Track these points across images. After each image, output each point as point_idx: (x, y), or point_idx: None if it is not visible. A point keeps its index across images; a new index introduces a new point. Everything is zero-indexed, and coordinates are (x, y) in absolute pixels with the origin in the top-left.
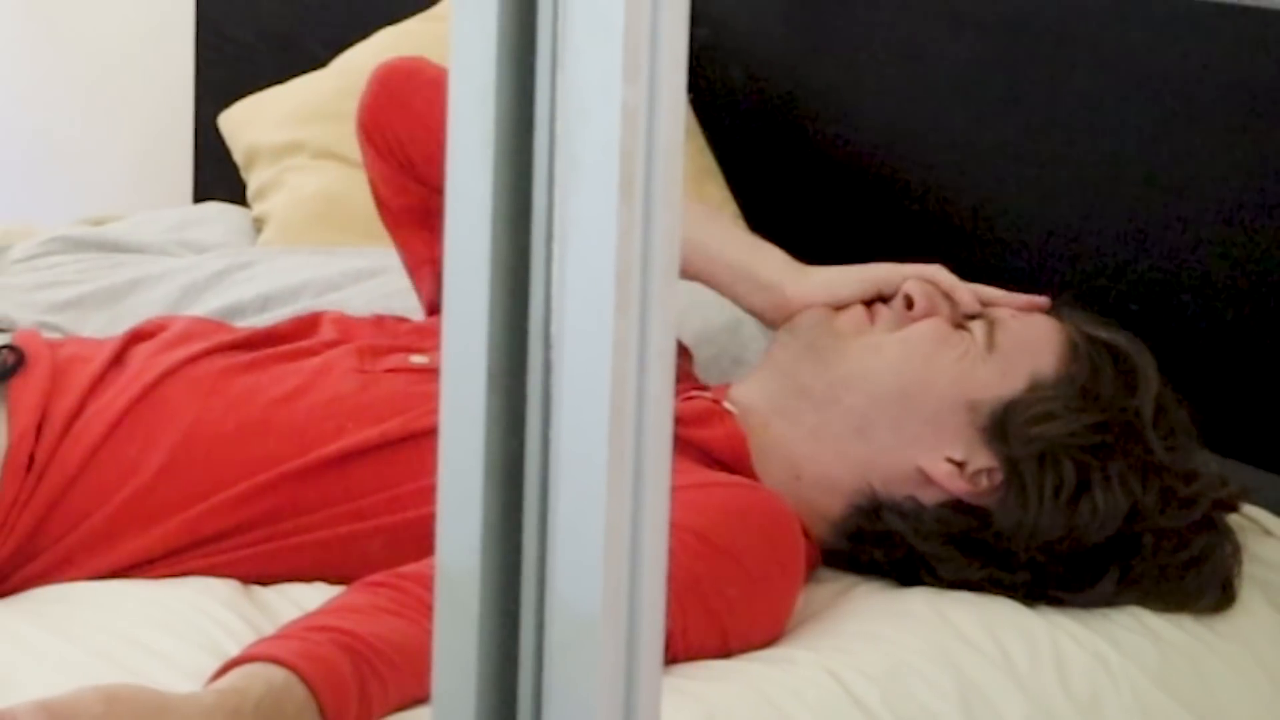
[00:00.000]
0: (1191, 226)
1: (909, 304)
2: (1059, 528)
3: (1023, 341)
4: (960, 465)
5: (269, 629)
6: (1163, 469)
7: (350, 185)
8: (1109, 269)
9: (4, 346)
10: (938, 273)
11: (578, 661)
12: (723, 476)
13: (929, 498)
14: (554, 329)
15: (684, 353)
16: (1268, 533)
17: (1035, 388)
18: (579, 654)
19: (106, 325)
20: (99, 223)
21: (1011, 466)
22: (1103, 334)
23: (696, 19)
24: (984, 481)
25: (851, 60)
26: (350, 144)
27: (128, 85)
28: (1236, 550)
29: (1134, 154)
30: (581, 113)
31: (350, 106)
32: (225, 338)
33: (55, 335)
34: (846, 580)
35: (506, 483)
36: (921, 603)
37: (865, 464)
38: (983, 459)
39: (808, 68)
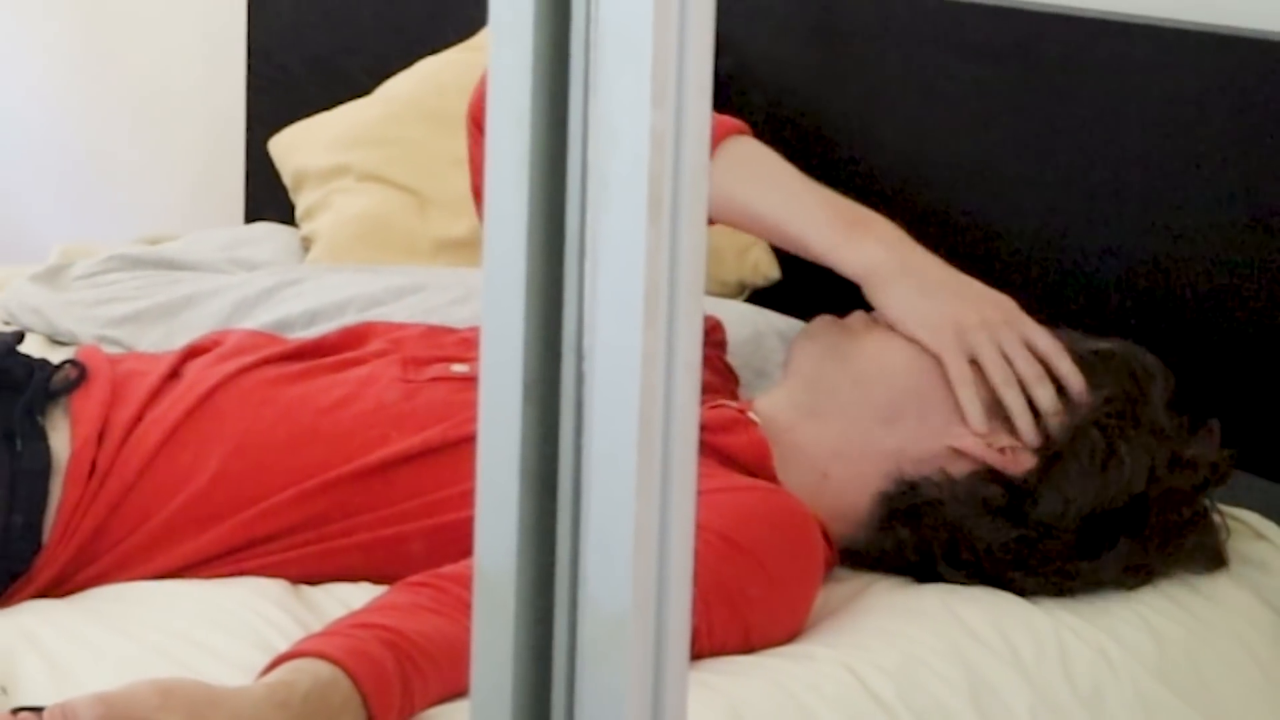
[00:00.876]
0: (1191, 244)
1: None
2: (1094, 491)
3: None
4: (988, 438)
5: (317, 626)
6: (1166, 435)
7: (393, 206)
8: (1112, 284)
9: (66, 362)
10: (1044, 347)
11: (609, 657)
12: (746, 480)
13: (959, 470)
14: (586, 342)
15: (732, 377)
16: (1259, 535)
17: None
18: (610, 650)
19: (163, 339)
20: (155, 242)
21: (1045, 440)
22: (1089, 344)
23: (721, 48)
24: (1010, 456)
25: (868, 87)
26: (393, 167)
27: (183, 112)
28: (1222, 518)
29: (1136, 175)
30: (612, 137)
31: (393, 132)
32: (276, 349)
33: (115, 349)
34: (862, 580)
35: (541, 488)
36: (933, 601)
37: (895, 453)
38: (1004, 437)
39: (826, 94)
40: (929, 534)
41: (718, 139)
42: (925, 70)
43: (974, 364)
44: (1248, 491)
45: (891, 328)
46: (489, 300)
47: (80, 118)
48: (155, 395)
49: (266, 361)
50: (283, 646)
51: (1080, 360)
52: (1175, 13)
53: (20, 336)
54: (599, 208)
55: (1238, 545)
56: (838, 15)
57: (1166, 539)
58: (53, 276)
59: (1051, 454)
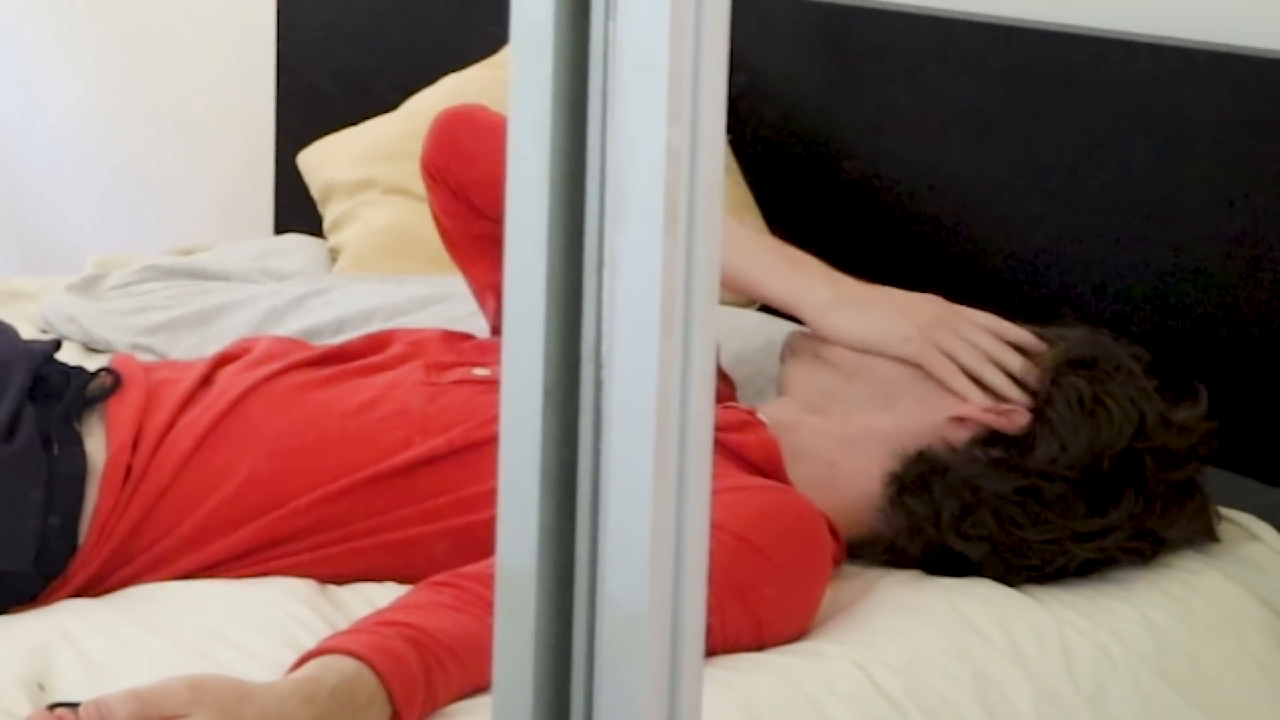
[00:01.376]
0: (1188, 255)
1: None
2: (1085, 435)
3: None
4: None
5: (343, 624)
6: (1150, 393)
7: (417, 219)
8: (1109, 293)
9: (102, 369)
10: (992, 325)
11: (626, 654)
12: (757, 480)
13: (960, 438)
14: (604, 349)
15: (726, 380)
16: (1254, 537)
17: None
18: (627, 647)
19: (195, 347)
20: (188, 253)
21: (1030, 393)
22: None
23: (735, 66)
24: (1006, 414)
25: (876, 103)
26: (417, 181)
27: (214, 127)
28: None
29: (1135, 188)
30: (629, 152)
31: (418, 147)
32: (303, 355)
33: (148, 356)
34: (868, 578)
35: (561, 490)
36: (938, 600)
37: (897, 432)
38: (996, 401)
39: (837, 111)
40: (940, 502)
41: None
42: (931, 86)
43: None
44: (1242, 494)
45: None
46: (511, 309)
47: (116, 134)
48: (188, 401)
49: (294, 367)
50: (310, 644)
51: (1048, 339)
52: (1173, 31)
53: (57, 344)
54: (617, 220)
55: (1234, 546)
56: (847, 34)
57: (1168, 500)
58: (89, 286)
59: (1040, 405)
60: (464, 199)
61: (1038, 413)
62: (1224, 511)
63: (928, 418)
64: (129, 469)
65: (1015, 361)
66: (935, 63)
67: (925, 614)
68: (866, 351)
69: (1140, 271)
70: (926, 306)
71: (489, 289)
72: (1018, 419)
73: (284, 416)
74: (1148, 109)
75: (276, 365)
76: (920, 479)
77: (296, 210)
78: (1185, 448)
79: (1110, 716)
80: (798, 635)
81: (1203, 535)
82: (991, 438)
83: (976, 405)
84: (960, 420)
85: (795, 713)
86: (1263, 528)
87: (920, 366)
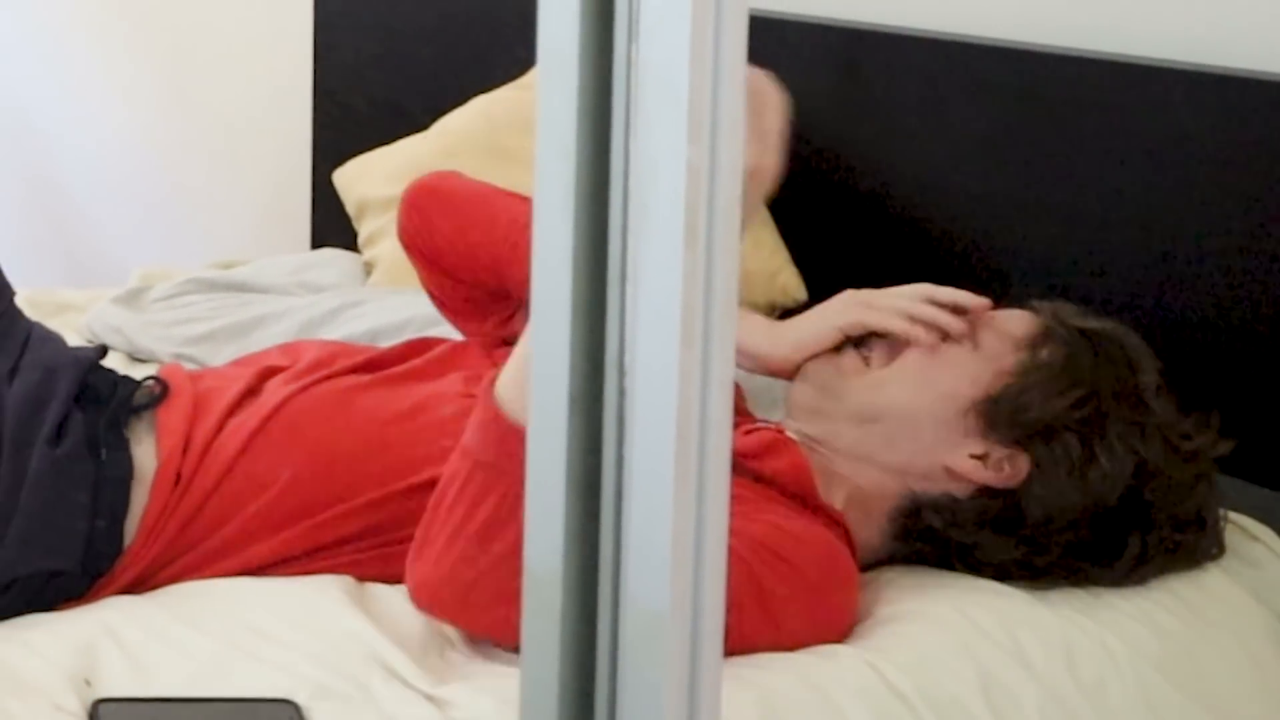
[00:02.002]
0: (1187, 268)
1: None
2: (1077, 495)
3: (1003, 335)
4: (982, 457)
5: (384, 622)
6: (1160, 425)
7: None
8: (1114, 306)
9: (150, 378)
10: (921, 290)
11: (648, 651)
12: (794, 515)
13: (962, 491)
14: (627, 359)
15: (737, 390)
16: (1254, 538)
17: (1024, 373)
18: (649, 644)
19: (235, 357)
20: (228, 266)
21: (1024, 448)
22: (1081, 320)
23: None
24: (1007, 468)
25: (887, 122)
26: None
27: (254, 146)
28: (1220, 500)
29: (1135, 205)
30: (651, 170)
31: (449, 164)
32: (346, 362)
33: (191, 366)
34: (882, 580)
35: (586, 494)
36: (946, 603)
37: (901, 469)
38: (999, 448)
39: (848, 130)
40: (942, 549)
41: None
42: (941, 107)
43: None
44: (1242, 496)
45: (885, 363)
46: (538, 320)
47: (160, 153)
48: (234, 408)
49: (338, 374)
50: (351, 642)
51: (1050, 360)
52: (1173, 55)
53: (104, 351)
54: (639, 235)
55: (1234, 547)
56: (860, 57)
57: (1173, 538)
58: (133, 298)
59: (1032, 458)
60: (443, 268)
61: (1027, 476)
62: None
63: (928, 461)
64: (179, 474)
65: (947, 295)
66: (945, 85)
67: (933, 616)
68: (819, 349)
69: (1142, 282)
70: (848, 292)
71: (496, 343)
72: (1019, 470)
73: (327, 424)
74: (1150, 129)
75: (320, 373)
76: (921, 530)
77: (332, 225)
78: (1192, 477)
79: (1112, 712)
80: (829, 641)
81: (1211, 559)
82: (990, 492)
83: (973, 460)
84: (958, 476)
85: (810, 707)
86: (1262, 530)
87: (864, 327)
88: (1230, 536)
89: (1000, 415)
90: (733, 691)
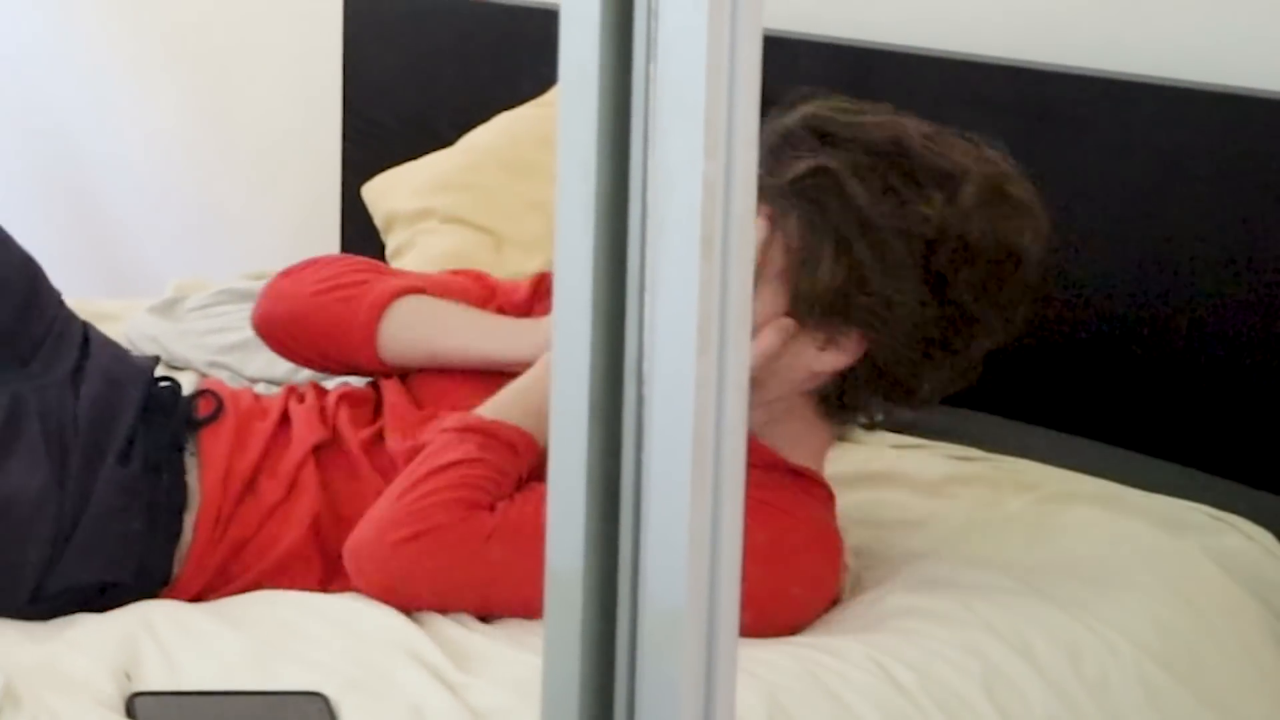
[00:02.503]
0: (1187, 280)
1: None
2: (909, 275)
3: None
4: (829, 343)
5: (414, 624)
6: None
7: (473, 246)
8: (1115, 316)
9: (205, 391)
10: None
11: (666, 647)
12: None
13: (840, 365)
14: (646, 367)
15: None
16: (1250, 539)
17: (800, 265)
18: (667, 641)
19: (266, 365)
20: (260, 277)
21: (843, 316)
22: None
23: (766, 104)
24: (850, 345)
25: None
26: (473, 211)
27: (286, 162)
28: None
29: (1136, 218)
30: (669, 184)
31: (474, 179)
32: (368, 410)
33: (224, 373)
34: (881, 589)
35: (606, 497)
36: (951, 601)
37: (786, 396)
38: (831, 328)
39: None
40: (876, 399)
41: (387, 301)
42: (948, 124)
43: None
44: (1241, 499)
45: None
46: (559, 330)
47: (195, 168)
48: (270, 447)
49: (364, 424)
50: (379, 641)
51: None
52: (1175, 73)
53: (157, 360)
54: (657, 247)
55: (1234, 548)
56: (868, 75)
57: (996, 273)
58: (168, 308)
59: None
60: (307, 357)
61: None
62: (1222, 515)
63: (797, 378)
64: (219, 512)
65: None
66: (952, 102)
67: (939, 613)
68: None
69: (1143, 294)
70: None
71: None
72: (851, 346)
73: (353, 484)
74: (1151, 145)
75: (344, 418)
76: (844, 397)
77: (361, 238)
78: (991, 216)
79: (1114, 706)
80: (797, 621)
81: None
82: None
83: (819, 352)
84: (825, 369)
85: (815, 701)
86: (1258, 531)
87: None
88: (1230, 537)
89: (805, 304)
90: (740, 688)
